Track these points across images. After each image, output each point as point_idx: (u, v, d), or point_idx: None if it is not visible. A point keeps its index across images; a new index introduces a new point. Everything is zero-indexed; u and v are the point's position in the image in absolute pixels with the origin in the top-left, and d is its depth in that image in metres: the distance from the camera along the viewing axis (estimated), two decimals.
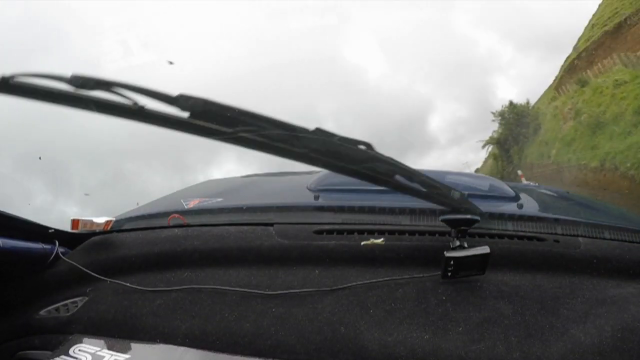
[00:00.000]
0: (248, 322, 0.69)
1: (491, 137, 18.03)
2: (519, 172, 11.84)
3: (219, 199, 1.16)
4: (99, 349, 0.68)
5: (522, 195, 1.21)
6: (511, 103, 16.50)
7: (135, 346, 0.69)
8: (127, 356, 0.66)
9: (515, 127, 16.06)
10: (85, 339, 0.71)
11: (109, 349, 0.68)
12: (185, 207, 1.07)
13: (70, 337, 0.71)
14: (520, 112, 16.08)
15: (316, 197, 1.13)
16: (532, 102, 16.83)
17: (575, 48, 15.88)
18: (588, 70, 12.71)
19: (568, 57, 16.13)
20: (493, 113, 17.03)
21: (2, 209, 0.77)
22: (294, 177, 1.48)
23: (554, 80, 16.61)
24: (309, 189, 1.17)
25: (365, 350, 0.63)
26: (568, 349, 0.61)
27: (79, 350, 0.68)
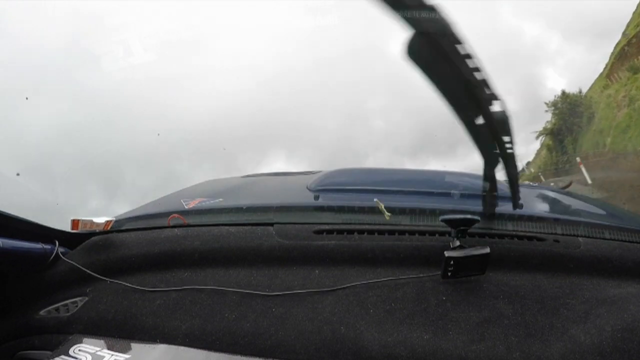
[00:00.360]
0: (248, 322, 0.69)
1: (544, 128, 17.85)
2: (578, 159, 11.55)
3: (219, 199, 1.16)
4: (98, 348, 0.68)
5: (523, 195, 1.21)
6: (564, 93, 16.36)
7: (135, 346, 0.69)
8: (127, 356, 0.66)
9: (568, 117, 15.91)
10: (85, 339, 0.71)
11: (108, 348, 0.68)
12: (185, 207, 1.07)
13: (70, 337, 0.71)
14: (573, 102, 15.93)
15: (316, 197, 1.13)
16: (584, 91, 16.67)
17: (624, 34, 15.58)
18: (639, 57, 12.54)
19: (617, 44, 15.85)
20: (546, 103, 16.86)
21: (2, 209, 0.77)
22: (293, 177, 1.48)
23: (605, 68, 16.39)
24: (308, 189, 1.17)
25: (365, 350, 0.63)
26: (568, 349, 0.61)
27: (79, 350, 0.68)
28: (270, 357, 0.64)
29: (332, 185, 1.18)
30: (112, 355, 0.66)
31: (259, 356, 0.64)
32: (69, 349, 0.68)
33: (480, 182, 1.17)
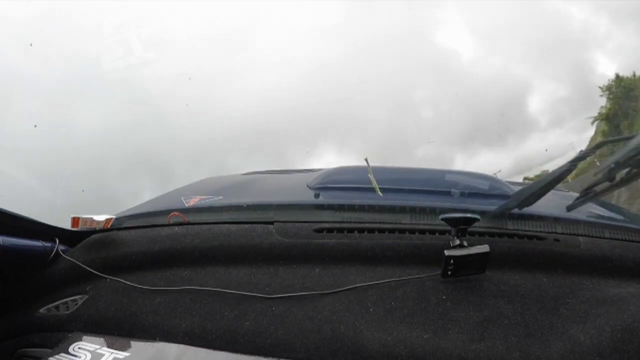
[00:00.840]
0: (248, 320, 0.69)
1: (599, 114, 17.52)
2: None
3: (219, 197, 1.15)
4: (98, 346, 0.68)
5: None
6: (617, 76, 16.00)
7: (135, 344, 0.69)
8: (126, 354, 0.66)
9: (624, 101, 15.64)
10: (85, 337, 0.71)
11: (108, 347, 0.68)
12: (186, 205, 1.07)
13: (70, 335, 0.71)
14: (628, 85, 15.65)
15: (316, 195, 1.13)
16: (638, 74, 16.38)
17: None
18: None
19: None
20: (601, 88, 16.53)
21: (1, 207, 0.77)
22: (294, 175, 1.48)
23: None
24: (309, 187, 1.17)
25: (364, 349, 0.63)
26: (568, 349, 0.61)
27: (79, 348, 0.68)
28: (270, 356, 0.64)
29: (332, 183, 1.18)
30: (111, 353, 0.66)
31: (259, 355, 0.64)
32: (68, 347, 0.68)
33: (480, 181, 1.16)
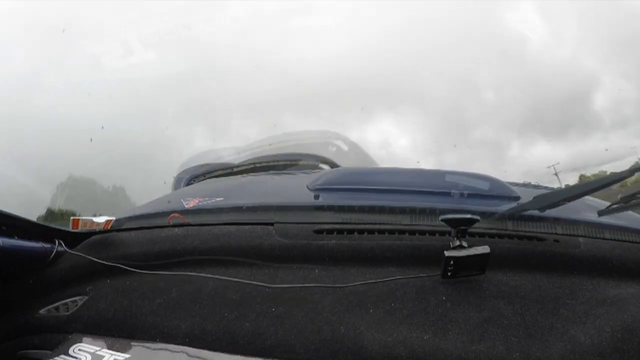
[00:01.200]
0: (248, 321, 0.69)
1: None
2: None
3: (219, 198, 1.16)
4: (98, 348, 0.68)
5: (523, 195, 1.21)
6: None
7: (135, 345, 0.69)
8: (126, 355, 0.66)
9: None
10: (85, 338, 0.71)
11: (108, 348, 0.68)
12: (185, 206, 1.07)
13: (70, 336, 0.71)
14: None
15: (316, 197, 1.13)
16: None
17: None
18: None
19: None
20: None
21: (1, 209, 0.77)
22: (293, 176, 1.48)
23: None
24: (309, 188, 1.17)
25: (364, 350, 0.63)
26: (568, 350, 0.61)
27: (79, 349, 0.68)
28: (270, 357, 0.64)
29: (332, 184, 1.18)
30: (111, 354, 0.66)
31: (259, 356, 0.64)
32: (68, 348, 0.68)
33: (480, 182, 1.16)
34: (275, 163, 1.57)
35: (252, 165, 1.54)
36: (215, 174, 1.53)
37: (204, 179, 1.51)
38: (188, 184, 1.48)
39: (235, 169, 1.53)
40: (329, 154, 1.64)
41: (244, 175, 1.53)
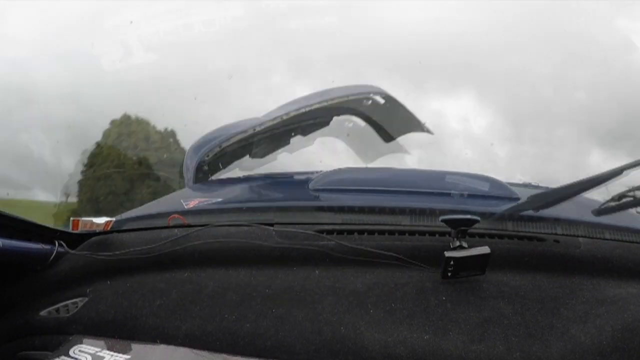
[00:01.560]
0: (248, 322, 0.69)
1: None
2: None
3: (219, 199, 1.16)
4: (99, 349, 0.68)
5: (523, 195, 1.21)
6: None
7: (136, 347, 0.69)
8: (127, 356, 0.66)
9: None
10: (86, 340, 0.71)
11: (109, 349, 0.68)
12: (185, 207, 1.07)
13: (71, 338, 0.71)
14: None
15: (316, 197, 1.13)
16: None
17: None
18: None
19: None
20: None
21: (1, 210, 0.77)
22: (293, 177, 1.49)
23: None
24: (309, 189, 1.18)
25: (365, 351, 0.63)
26: (568, 349, 0.61)
27: (79, 350, 0.68)
28: (270, 358, 0.64)
29: (332, 185, 1.18)
30: (112, 355, 0.66)
31: (259, 357, 0.64)
32: (69, 350, 0.68)
33: (480, 182, 1.16)
34: (301, 119, 1.50)
35: (277, 121, 1.44)
36: (236, 138, 1.44)
37: (219, 151, 1.43)
38: (201, 160, 1.40)
39: (257, 129, 1.44)
40: (363, 107, 1.62)
41: (261, 144, 1.51)
